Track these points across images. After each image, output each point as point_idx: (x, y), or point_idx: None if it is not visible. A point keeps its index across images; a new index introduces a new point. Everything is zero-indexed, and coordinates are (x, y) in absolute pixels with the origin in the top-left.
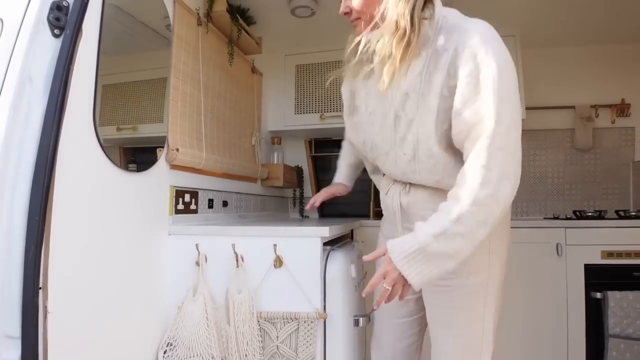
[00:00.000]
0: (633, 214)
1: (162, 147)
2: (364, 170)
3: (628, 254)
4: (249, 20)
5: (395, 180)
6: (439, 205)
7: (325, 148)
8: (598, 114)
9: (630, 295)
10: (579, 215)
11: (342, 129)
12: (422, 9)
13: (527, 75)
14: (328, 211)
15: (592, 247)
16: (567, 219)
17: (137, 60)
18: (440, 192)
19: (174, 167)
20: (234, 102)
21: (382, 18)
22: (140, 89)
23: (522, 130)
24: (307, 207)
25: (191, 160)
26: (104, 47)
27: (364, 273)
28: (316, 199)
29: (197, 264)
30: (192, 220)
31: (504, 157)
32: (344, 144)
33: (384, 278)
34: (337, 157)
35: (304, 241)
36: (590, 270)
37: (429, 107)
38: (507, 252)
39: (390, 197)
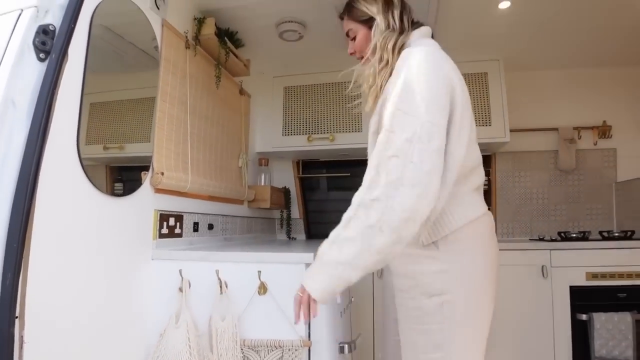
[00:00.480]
0: (616, 234)
1: (147, 170)
2: (346, 189)
3: (612, 275)
4: (238, 43)
5: None
6: None
7: (312, 169)
8: (580, 136)
9: (615, 316)
10: (564, 236)
11: (329, 151)
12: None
13: (511, 98)
14: (315, 231)
15: (577, 268)
16: (552, 240)
17: (126, 79)
18: None
19: (158, 190)
20: (222, 124)
21: (373, 53)
22: (127, 107)
23: (507, 151)
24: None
25: (176, 184)
26: (91, 65)
27: (350, 298)
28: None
29: (181, 289)
30: (176, 245)
31: (399, 164)
32: None
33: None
34: (326, 181)
35: (289, 267)
36: (576, 292)
37: None
38: (483, 277)
39: None
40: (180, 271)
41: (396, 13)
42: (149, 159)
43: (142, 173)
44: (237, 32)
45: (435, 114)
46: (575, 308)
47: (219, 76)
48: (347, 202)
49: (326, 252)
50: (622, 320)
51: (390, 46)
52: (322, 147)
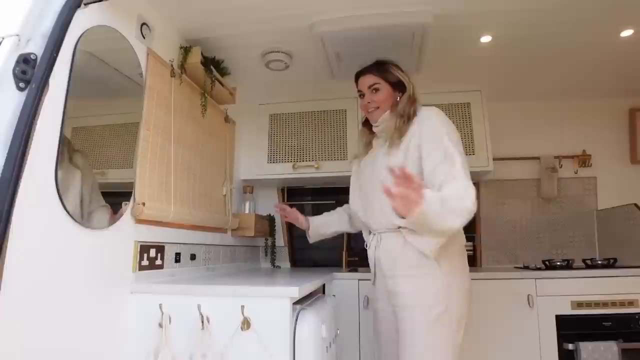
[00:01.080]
0: (599, 262)
1: (129, 197)
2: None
3: (597, 304)
4: (224, 71)
5: (371, 233)
6: (399, 254)
7: (297, 196)
8: (562, 165)
9: (601, 346)
10: (548, 265)
11: (314, 178)
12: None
13: (494, 128)
14: (300, 257)
15: (563, 297)
16: (536, 269)
17: (109, 105)
18: (402, 242)
19: (139, 221)
20: (206, 152)
21: (393, 110)
22: (110, 133)
23: (491, 180)
24: (277, 207)
25: (158, 214)
26: (74, 90)
27: (335, 331)
28: (285, 208)
29: (160, 325)
30: (157, 277)
31: (467, 177)
32: (339, 209)
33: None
34: (309, 205)
35: (273, 302)
36: (562, 321)
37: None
38: (470, 291)
39: (371, 250)
40: (160, 305)
41: (414, 86)
42: (131, 185)
43: (123, 203)
44: (223, 60)
45: (463, 154)
46: (562, 337)
47: (205, 105)
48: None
49: (449, 199)
50: (609, 350)
51: (412, 110)
52: (308, 175)
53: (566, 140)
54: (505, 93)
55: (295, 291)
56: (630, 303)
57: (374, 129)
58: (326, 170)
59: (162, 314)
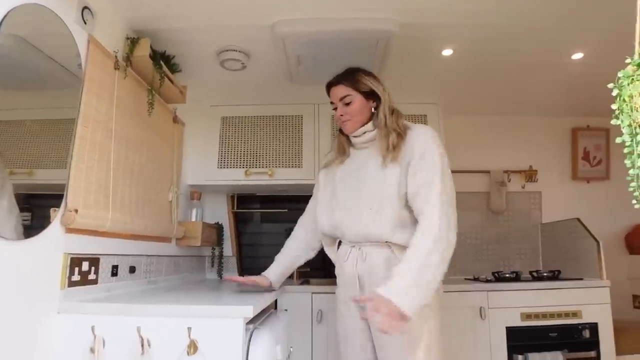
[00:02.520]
0: (545, 275)
1: (58, 206)
2: (285, 220)
3: (544, 315)
4: (174, 68)
5: (353, 247)
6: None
7: (248, 203)
8: (510, 179)
9: (548, 356)
10: (498, 277)
11: (267, 186)
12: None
13: (449, 140)
14: (249, 266)
15: (512, 309)
16: (487, 281)
17: (41, 97)
18: (391, 257)
19: (70, 230)
20: (151, 153)
21: (375, 123)
22: (41, 129)
23: None
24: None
25: (94, 223)
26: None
27: (288, 350)
28: (237, 280)
29: (92, 350)
30: (90, 293)
31: (451, 215)
32: (292, 240)
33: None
34: (260, 213)
35: (224, 322)
36: (512, 333)
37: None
38: (441, 308)
39: (350, 264)
40: (92, 327)
41: (389, 94)
42: (63, 187)
43: (52, 210)
44: (174, 56)
45: (449, 175)
46: (512, 349)
47: (152, 102)
48: (281, 235)
49: (414, 277)
50: (555, 359)
51: (401, 124)
52: (260, 182)
53: (515, 155)
54: (459, 107)
55: (250, 310)
56: (574, 314)
57: (355, 140)
58: (280, 177)
59: (95, 337)
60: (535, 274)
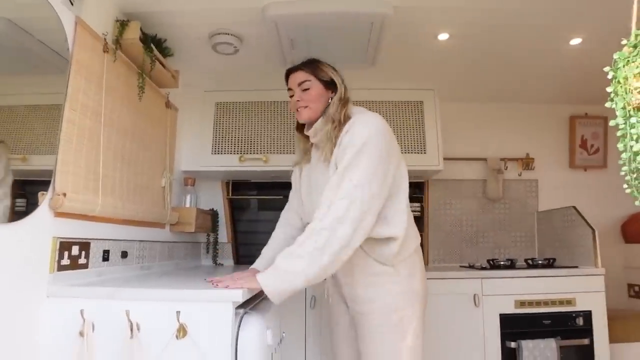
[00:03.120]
0: (540, 262)
1: (47, 190)
2: (282, 208)
3: (538, 303)
4: (166, 52)
5: None
6: (356, 263)
7: (243, 190)
8: (507, 167)
9: (541, 343)
10: (493, 264)
11: (262, 172)
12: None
13: (445, 127)
14: (244, 253)
15: (506, 296)
16: (482, 268)
17: (33, 82)
18: (359, 252)
19: (59, 214)
20: (143, 139)
21: (324, 113)
22: (35, 115)
23: (439, 179)
24: (211, 282)
25: (83, 207)
26: None
27: (281, 335)
28: (224, 283)
29: (81, 334)
30: (80, 278)
31: (345, 205)
32: (278, 230)
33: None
34: (256, 200)
35: (213, 307)
36: (505, 320)
37: None
38: (426, 294)
39: None
40: (81, 311)
41: (346, 88)
42: (51, 173)
43: (40, 193)
44: (165, 39)
45: (378, 167)
46: (505, 336)
47: (143, 86)
48: (273, 224)
49: (281, 263)
50: (548, 347)
51: (344, 114)
52: (255, 168)
53: (512, 143)
54: (456, 94)
55: (239, 294)
56: (568, 302)
57: (311, 139)
58: (274, 164)
59: (84, 320)
60: (530, 261)
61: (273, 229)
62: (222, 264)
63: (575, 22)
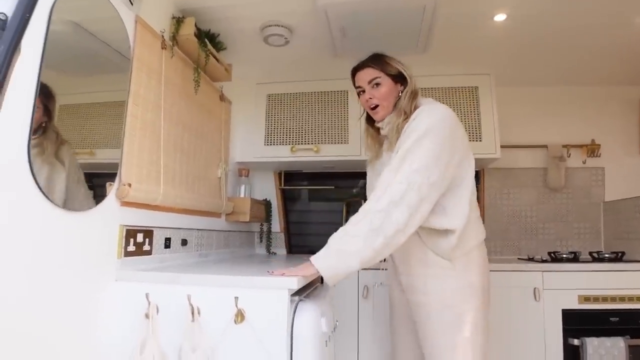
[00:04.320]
0: (607, 256)
1: (113, 181)
2: (329, 201)
3: (605, 299)
4: (219, 46)
5: None
6: (413, 253)
7: (295, 180)
8: (570, 154)
9: (607, 342)
10: (554, 257)
11: (313, 162)
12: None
13: (502, 114)
14: (296, 243)
15: (569, 291)
16: (542, 261)
17: (99, 81)
18: (417, 242)
19: (125, 204)
20: (200, 131)
21: (394, 106)
22: (100, 111)
23: (496, 168)
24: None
25: (146, 197)
26: (60, 65)
27: (334, 323)
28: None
29: (147, 316)
30: (145, 263)
31: (402, 189)
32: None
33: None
34: (307, 190)
35: (269, 293)
36: (568, 316)
37: None
38: (487, 291)
39: None
40: (147, 295)
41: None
42: (117, 166)
43: (108, 184)
44: (218, 34)
45: (440, 155)
46: (567, 332)
47: (198, 80)
48: (329, 213)
49: (335, 243)
50: (615, 346)
51: (413, 106)
52: (307, 158)
53: (575, 128)
54: (513, 78)
55: (294, 282)
56: (639, 299)
57: (381, 132)
58: (326, 154)
59: (149, 303)
60: (596, 254)
61: (324, 218)
62: (275, 253)
63: None
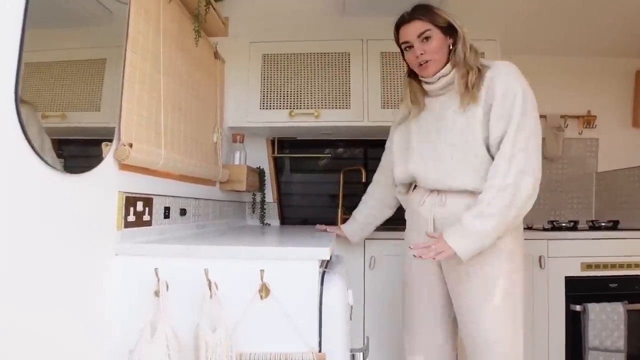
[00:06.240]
0: (603, 224)
1: (99, 143)
2: (324, 171)
3: (605, 266)
4: None
5: (431, 192)
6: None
7: (287, 148)
8: (567, 124)
9: (608, 307)
10: (554, 226)
11: (313, 128)
12: None
13: None
14: (288, 214)
15: (572, 259)
16: (545, 229)
17: (71, 36)
18: (472, 205)
19: (124, 167)
20: (197, 90)
21: (455, 61)
22: (72, 70)
23: None
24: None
25: (147, 159)
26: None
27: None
28: (326, 229)
29: (156, 293)
30: (145, 235)
31: (524, 157)
32: (368, 198)
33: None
34: (301, 158)
35: (298, 265)
36: (571, 283)
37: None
38: (510, 258)
39: (426, 208)
40: (156, 270)
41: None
42: (96, 131)
43: (103, 144)
44: None
45: (535, 117)
46: (570, 299)
47: (199, 30)
48: (320, 184)
49: (471, 223)
50: (615, 311)
51: (480, 62)
52: (306, 124)
53: (572, 99)
54: (517, 45)
55: (326, 252)
56: (637, 265)
57: (430, 87)
58: (326, 119)
59: (158, 279)
60: (592, 223)
61: (316, 190)
62: (269, 224)
63: None
